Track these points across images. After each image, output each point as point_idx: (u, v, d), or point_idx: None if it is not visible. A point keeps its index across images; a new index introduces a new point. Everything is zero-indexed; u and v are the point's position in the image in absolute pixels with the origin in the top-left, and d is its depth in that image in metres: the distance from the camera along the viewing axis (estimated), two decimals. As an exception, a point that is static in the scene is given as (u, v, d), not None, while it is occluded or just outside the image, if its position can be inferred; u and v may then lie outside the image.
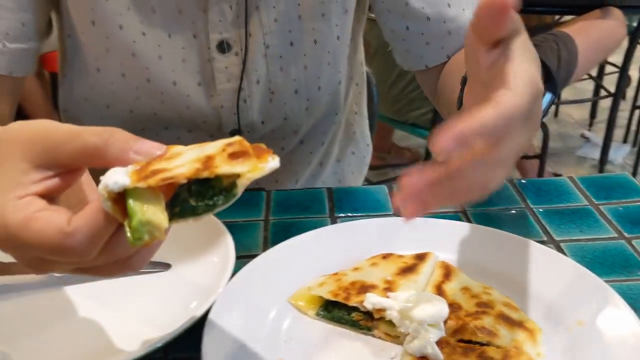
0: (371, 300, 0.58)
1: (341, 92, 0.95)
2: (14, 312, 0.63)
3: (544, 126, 2.36)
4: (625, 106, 3.54)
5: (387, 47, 0.92)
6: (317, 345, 0.58)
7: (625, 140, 3.46)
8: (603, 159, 2.95)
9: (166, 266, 0.69)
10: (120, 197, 0.40)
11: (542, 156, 2.43)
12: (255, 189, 0.83)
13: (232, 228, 0.70)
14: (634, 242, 0.74)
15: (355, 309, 0.60)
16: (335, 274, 0.65)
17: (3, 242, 0.44)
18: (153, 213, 0.40)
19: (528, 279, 0.64)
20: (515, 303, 0.61)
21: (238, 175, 0.40)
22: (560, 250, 0.73)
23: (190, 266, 0.68)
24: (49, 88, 2.33)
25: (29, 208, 0.43)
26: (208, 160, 0.40)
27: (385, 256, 0.67)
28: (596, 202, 0.82)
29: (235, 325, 0.57)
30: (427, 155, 2.69)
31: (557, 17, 2.89)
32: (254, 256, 0.67)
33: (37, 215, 0.42)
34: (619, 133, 3.44)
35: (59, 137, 0.44)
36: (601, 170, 2.98)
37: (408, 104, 2.53)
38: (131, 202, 0.40)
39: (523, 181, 0.87)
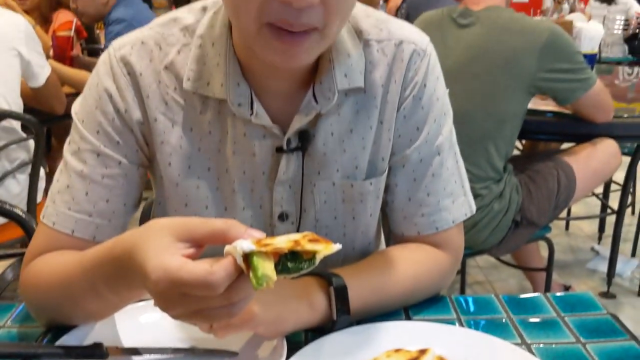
0: (384, 380, 0.82)
1: (371, 247, 1.19)
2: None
3: (549, 242, 2.59)
4: (634, 221, 3.72)
5: None
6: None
7: (634, 255, 3.58)
8: (610, 273, 3.11)
9: (233, 354, 0.93)
10: (244, 257, 0.65)
11: (548, 268, 2.64)
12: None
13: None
14: (587, 346, 0.97)
15: (373, 387, 0.84)
16: (359, 362, 0.90)
17: (157, 283, 0.66)
18: (268, 269, 0.65)
19: (501, 370, 0.88)
20: (490, 387, 0.84)
21: (316, 252, 0.68)
22: (530, 350, 0.96)
23: (252, 354, 0.92)
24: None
25: (181, 259, 0.67)
26: (297, 242, 0.68)
27: (397, 350, 0.92)
28: (562, 314, 1.06)
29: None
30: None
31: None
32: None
33: (189, 261, 0.66)
34: (627, 247, 3.59)
35: (195, 222, 0.70)
36: (609, 283, 3.13)
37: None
38: (256, 261, 0.65)
39: (506, 297, 1.11)
